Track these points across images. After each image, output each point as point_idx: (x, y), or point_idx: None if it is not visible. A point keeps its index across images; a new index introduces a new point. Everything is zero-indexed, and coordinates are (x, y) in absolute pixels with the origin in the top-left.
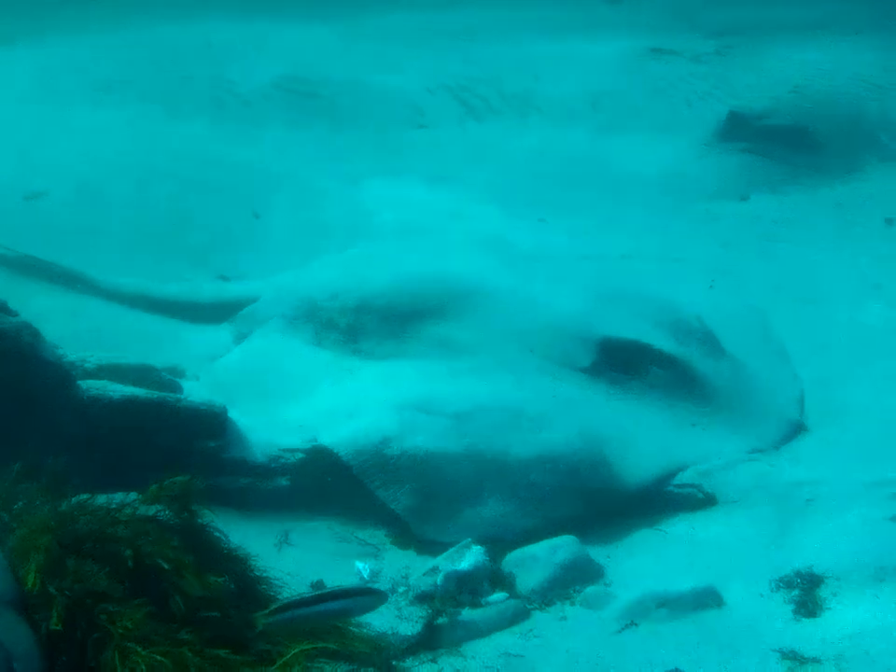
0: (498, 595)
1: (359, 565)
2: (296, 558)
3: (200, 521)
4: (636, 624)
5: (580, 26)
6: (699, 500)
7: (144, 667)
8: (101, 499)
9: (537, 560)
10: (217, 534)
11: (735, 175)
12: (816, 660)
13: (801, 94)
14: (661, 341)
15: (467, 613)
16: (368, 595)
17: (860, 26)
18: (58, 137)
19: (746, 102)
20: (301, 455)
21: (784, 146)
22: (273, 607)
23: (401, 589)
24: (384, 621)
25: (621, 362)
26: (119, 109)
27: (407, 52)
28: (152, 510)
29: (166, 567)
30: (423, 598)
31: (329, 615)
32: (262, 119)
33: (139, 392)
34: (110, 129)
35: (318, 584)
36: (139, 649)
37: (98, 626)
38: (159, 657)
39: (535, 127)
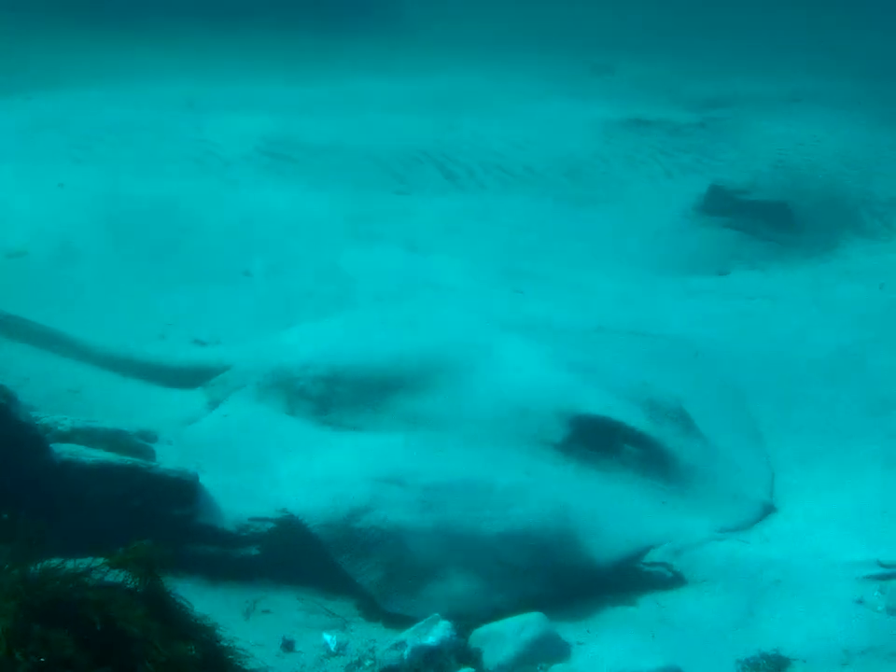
0: (465, 671)
1: (327, 637)
2: (264, 628)
3: (165, 588)
4: None
5: (566, 96)
6: (668, 579)
7: None
8: (69, 564)
9: (504, 637)
10: (181, 601)
11: (715, 250)
12: None
13: (782, 169)
14: (634, 418)
15: None
16: None
17: (842, 102)
18: (36, 196)
19: (727, 176)
20: (271, 525)
21: (764, 221)
22: None
23: (367, 662)
24: None
25: (593, 439)
26: (97, 167)
27: (388, 116)
28: (121, 576)
29: (136, 632)
30: None
31: None
32: (242, 180)
33: (112, 458)
34: (88, 187)
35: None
36: None
37: None
38: None
39: (515, 197)
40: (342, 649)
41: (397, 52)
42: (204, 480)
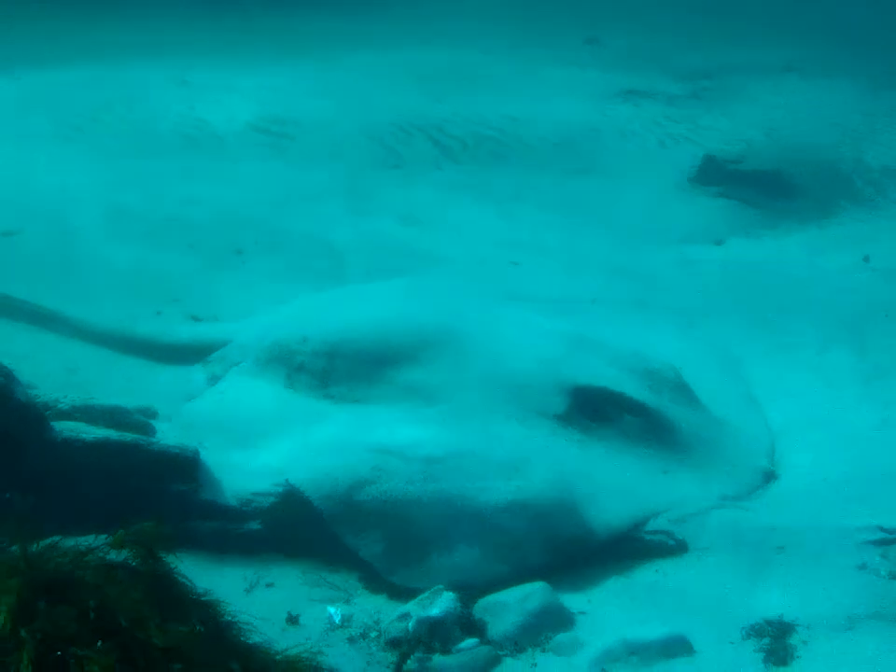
0: (469, 642)
1: (331, 609)
2: (267, 602)
3: (166, 567)
4: None
5: (557, 68)
6: (670, 547)
7: None
8: (70, 542)
9: (508, 607)
10: (183, 579)
11: (710, 219)
12: None
13: (775, 138)
14: (633, 388)
15: (438, 659)
16: None
17: (833, 71)
18: (29, 175)
19: (721, 145)
20: (272, 499)
21: (758, 190)
22: None
23: (372, 634)
24: (354, 666)
25: (593, 409)
26: (90, 146)
27: (382, 91)
28: (121, 555)
29: (123, 624)
30: (394, 644)
31: None
32: (236, 158)
33: (112, 434)
34: (81, 166)
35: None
36: None
37: (67, 671)
38: None
39: (510, 168)
40: (346, 621)
41: (387, 26)
42: (205, 455)
